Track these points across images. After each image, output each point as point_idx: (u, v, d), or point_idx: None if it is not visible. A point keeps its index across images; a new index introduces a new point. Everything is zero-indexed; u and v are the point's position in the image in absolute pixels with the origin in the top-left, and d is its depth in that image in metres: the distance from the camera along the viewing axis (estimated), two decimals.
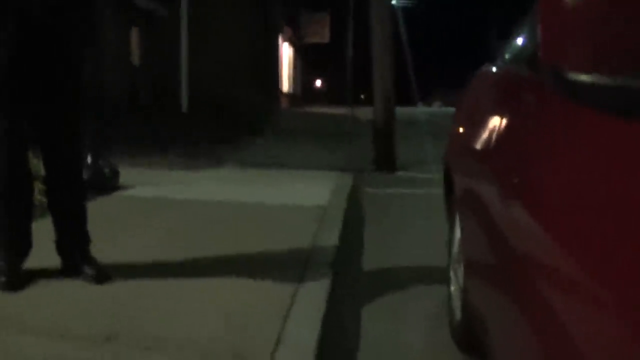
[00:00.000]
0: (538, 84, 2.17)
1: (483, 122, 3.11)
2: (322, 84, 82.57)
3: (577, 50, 1.07)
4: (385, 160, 12.09)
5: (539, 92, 2.17)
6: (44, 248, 4.35)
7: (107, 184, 7.66)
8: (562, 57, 1.10)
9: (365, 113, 20.11)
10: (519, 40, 3.20)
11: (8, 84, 3.99)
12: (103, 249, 4.53)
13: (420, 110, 31.52)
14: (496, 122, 2.78)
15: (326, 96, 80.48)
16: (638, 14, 0.97)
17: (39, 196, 4.98)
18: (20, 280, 4.09)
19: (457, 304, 3.71)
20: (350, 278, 5.11)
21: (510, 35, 3.56)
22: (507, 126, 2.55)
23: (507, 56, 3.44)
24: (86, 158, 7.30)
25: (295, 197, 7.97)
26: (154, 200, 7.41)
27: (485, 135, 2.95)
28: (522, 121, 2.38)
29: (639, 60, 0.97)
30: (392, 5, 12.90)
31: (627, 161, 1.37)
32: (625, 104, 1.05)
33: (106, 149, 8.14)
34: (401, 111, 13.43)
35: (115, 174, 7.88)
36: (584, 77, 1.04)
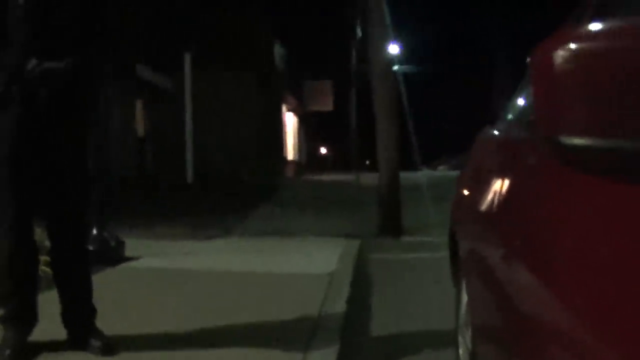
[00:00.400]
0: (536, 147, 2.18)
1: (486, 186, 3.12)
2: (326, 151, 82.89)
3: (571, 114, 1.08)
4: (391, 226, 12.08)
5: (537, 155, 2.18)
6: (49, 320, 4.34)
7: (113, 255, 7.66)
8: (556, 122, 1.11)
9: (370, 179, 20.16)
10: (519, 102, 3.23)
11: (15, 167, 4.03)
12: (109, 321, 4.52)
13: (423, 174, 31.55)
14: (498, 186, 2.79)
15: (331, 163, 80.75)
16: (632, 79, 0.98)
17: (43, 267, 4.99)
18: (25, 353, 4.07)
19: None
20: (358, 344, 5.08)
21: (510, 97, 3.59)
22: (509, 189, 2.56)
23: (508, 118, 3.46)
24: (91, 229, 7.31)
25: (303, 265, 7.96)
26: (161, 271, 7.39)
27: (488, 198, 2.96)
28: (522, 184, 2.39)
29: (633, 124, 0.99)
30: (395, 73, 12.97)
31: (623, 223, 1.37)
32: (620, 167, 1.06)
33: (111, 220, 8.16)
34: (405, 175, 13.46)
35: (121, 245, 7.89)
36: (577, 141, 1.06)
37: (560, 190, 1.81)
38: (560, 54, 1.06)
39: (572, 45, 1.04)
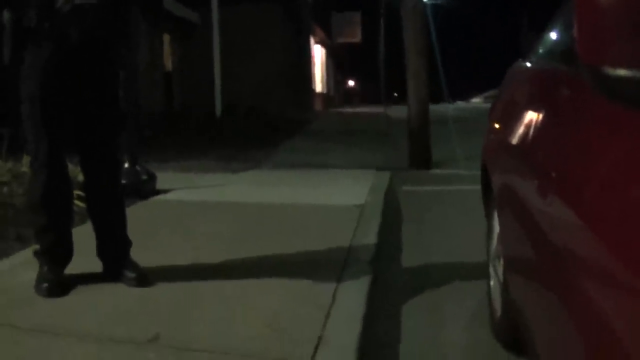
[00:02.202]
0: (575, 79, 2.16)
1: (519, 119, 3.10)
2: (355, 83, 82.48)
3: (616, 45, 1.07)
4: (421, 159, 12.07)
5: (576, 87, 2.16)
6: (84, 254, 4.41)
7: (145, 189, 7.72)
8: (600, 53, 1.10)
9: (399, 111, 20.08)
10: (553, 35, 3.20)
11: (48, 106, 4.05)
12: (143, 253, 4.58)
13: (454, 107, 31.38)
14: (533, 119, 2.77)
15: (360, 96, 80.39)
16: None
17: (77, 202, 5.04)
18: (62, 286, 4.14)
19: (497, 299, 3.71)
20: (389, 276, 5.11)
21: (542, 30, 3.55)
22: (544, 122, 2.55)
23: (540, 51, 3.43)
24: (124, 163, 7.36)
25: (333, 196, 7.99)
26: (192, 204, 7.45)
27: (522, 131, 2.95)
28: (560, 117, 2.38)
29: None
30: (424, 3, 12.80)
31: None
32: None
33: (143, 154, 8.20)
34: (435, 108, 13.39)
35: (153, 178, 7.94)
36: (622, 73, 1.04)
37: (600, 123, 1.80)
38: None
39: None
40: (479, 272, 4.59)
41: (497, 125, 4.00)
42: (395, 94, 58.35)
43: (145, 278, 4.27)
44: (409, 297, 4.62)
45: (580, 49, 1.16)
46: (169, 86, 23.76)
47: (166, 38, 24.22)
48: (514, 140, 3.09)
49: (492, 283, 3.97)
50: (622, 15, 1.05)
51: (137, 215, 5.80)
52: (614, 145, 1.66)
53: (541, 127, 2.57)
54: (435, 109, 16.74)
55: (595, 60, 1.12)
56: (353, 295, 4.13)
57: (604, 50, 1.10)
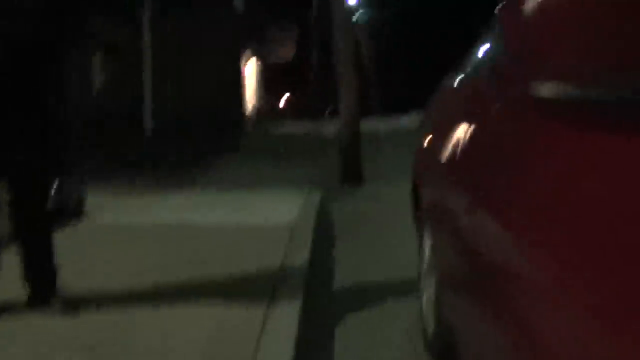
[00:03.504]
0: (502, 95, 2.17)
1: (448, 134, 3.10)
2: (288, 98, 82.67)
3: (540, 62, 1.06)
4: (352, 175, 12.10)
5: (502, 103, 2.17)
6: (9, 279, 4.29)
7: (74, 211, 7.59)
8: (525, 68, 1.09)
9: (331, 127, 20.13)
10: (482, 51, 3.21)
11: None
12: (71, 278, 4.48)
13: (386, 122, 31.54)
14: (461, 134, 2.77)
15: (292, 111, 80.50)
16: (600, 25, 0.96)
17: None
18: None
19: (430, 316, 3.71)
20: (322, 295, 5.08)
21: (473, 46, 3.57)
22: (472, 138, 2.55)
23: (471, 67, 3.44)
24: (52, 186, 7.23)
25: (265, 216, 7.94)
26: (122, 226, 7.34)
27: (451, 146, 2.95)
28: (487, 133, 2.38)
29: (601, 71, 0.97)
30: (356, 21, 12.91)
31: (586, 169, 1.38)
32: (587, 114, 1.05)
33: (72, 175, 8.07)
34: (367, 124, 13.46)
35: (82, 200, 7.81)
36: (546, 88, 1.04)
37: (526, 138, 1.80)
38: (530, 2, 1.05)
39: None
40: (412, 289, 4.59)
41: (426, 141, 4.01)
42: (329, 109, 58.71)
43: (72, 305, 4.17)
44: (342, 318, 4.60)
45: (506, 64, 1.16)
46: (99, 104, 23.53)
47: (96, 56, 24.01)
48: (443, 155, 3.10)
49: (424, 300, 3.97)
50: (547, 31, 1.05)
51: (65, 239, 5.68)
52: (540, 159, 1.66)
53: (469, 143, 2.57)
54: (369, 124, 16.82)
55: (521, 75, 1.12)
56: (285, 317, 4.09)
57: (529, 64, 1.10)
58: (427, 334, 3.80)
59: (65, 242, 5.33)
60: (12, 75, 4.03)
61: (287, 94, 75.66)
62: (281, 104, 71.64)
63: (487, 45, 3.11)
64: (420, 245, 4.12)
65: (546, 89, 1.03)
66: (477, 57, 3.40)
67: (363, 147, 12.52)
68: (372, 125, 23.79)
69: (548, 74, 1.03)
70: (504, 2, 1.01)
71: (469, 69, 3.50)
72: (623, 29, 0.92)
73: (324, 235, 7.25)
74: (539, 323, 1.49)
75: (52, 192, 7.12)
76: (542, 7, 0.96)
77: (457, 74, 3.77)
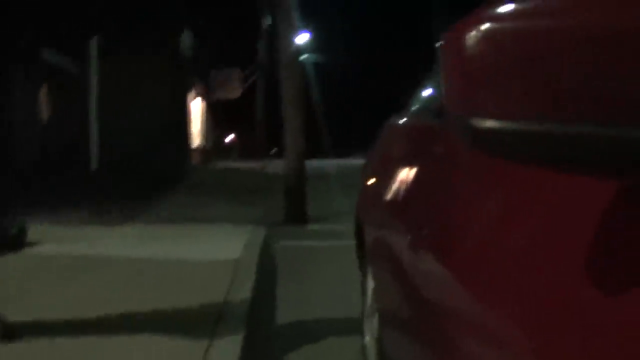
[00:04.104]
0: (443, 133, 2.19)
1: (391, 174, 3.12)
2: (233, 138, 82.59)
3: (480, 97, 1.08)
4: (297, 213, 12.15)
5: (444, 141, 2.19)
6: None
7: (15, 241, 7.49)
8: (466, 104, 1.10)
9: (277, 166, 20.17)
10: (425, 90, 3.25)
11: None
12: (9, 307, 4.41)
13: (333, 162, 31.83)
14: (404, 174, 2.79)
15: (238, 150, 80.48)
16: (541, 60, 0.98)
17: None
18: None
19: (372, 356, 3.70)
20: (263, 332, 5.06)
21: (416, 87, 3.61)
22: (415, 177, 2.57)
23: (415, 107, 3.48)
24: None
25: (208, 252, 7.91)
26: (63, 258, 7.23)
27: (394, 186, 2.97)
28: (429, 172, 2.40)
29: (544, 105, 0.99)
30: (302, 63, 12.99)
31: (531, 208, 1.39)
32: (530, 152, 1.06)
33: (13, 206, 7.97)
34: (314, 164, 13.52)
35: (23, 231, 7.71)
36: (487, 124, 1.05)
37: (467, 177, 1.82)
38: (471, 35, 1.06)
39: (484, 26, 1.04)
40: (355, 328, 4.59)
41: (370, 180, 4.03)
42: (275, 149, 58.81)
43: (10, 333, 4.11)
44: (284, 355, 4.58)
45: (447, 100, 1.17)
46: (44, 136, 23.28)
47: (43, 88, 23.79)
48: (386, 194, 3.11)
49: (367, 338, 3.96)
50: (485, 68, 1.06)
51: (5, 267, 5.60)
52: (483, 199, 1.68)
53: (412, 182, 2.59)
54: (316, 164, 16.89)
55: (461, 112, 1.13)
56: (225, 353, 4.06)
57: (470, 100, 1.11)
58: None
59: (5, 269, 5.26)
60: None
61: (233, 134, 75.70)
62: (227, 142, 71.57)
63: (429, 84, 3.15)
64: (364, 284, 4.13)
65: (487, 124, 1.05)
66: (419, 95, 3.44)
67: (312, 185, 12.57)
68: (324, 164, 23.93)
69: (489, 108, 1.04)
70: (445, 37, 1.03)
71: (412, 108, 3.53)
72: (569, 69, 0.94)
73: (267, 271, 7.23)
74: None
75: None
76: (484, 37, 0.98)
77: (401, 113, 3.80)
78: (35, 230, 8.21)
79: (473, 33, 1.06)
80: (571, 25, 0.96)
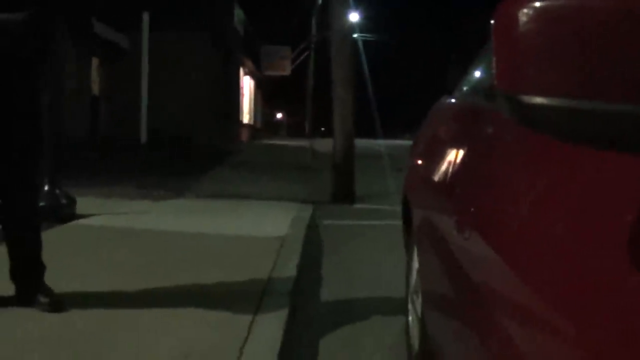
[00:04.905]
0: (494, 113, 2.17)
1: (440, 154, 3.11)
2: (282, 116, 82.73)
3: (531, 73, 1.07)
4: (344, 193, 12.12)
5: (495, 122, 2.17)
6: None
7: (64, 213, 7.58)
8: (517, 84, 1.10)
9: (325, 145, 20.15)
10: (476, 72, 3.22)
11: None
12: (58, 278, 4.47)
13: (383, 142, 31.77)
14: (453, 153, 2.78)
15: (287, 128, 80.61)
16: (593, 38, 0.97)
17: None
18: None
19: (415, 334, 3.70)
20: (308, 309, 5.08)
21: (467, 67, 3.58)
22: (464, 157, 2.56)
23: (464, 88, 3.45)
24: (43, 186, 7.22)
25: (255, 228, 7.95)
26: (111, 230, 7.32)
27: (442, 166, 2.95)
28: (477, 153, 2.38)
29: (594, 84, 0.98)
30: (354, 42, 12.92)
31: (580, 188, 1.37)
32: (579, 128, 1.05)
33: (64, 178, 8.06)
34: (364, 144, 13.50)
35: (72, 202, 7.80)
36: (538, 101, 1.04)
37: (517, 154, 1.80)
38: (524, 12, 1.05)
39: (536, 3, 1.03)
40: (398, 307, 4.59)
41: (418, 160, 4.01)
42: (323, 129, 58.72)
43: (59, 304, 4.16)
44: (327, 331, 4.59)
45: (498, 79, 1.16)
46: (96, 111, 23.52)
47: (94, 61, 24.00)
48: (434, 175, 3.10)
49: (410, 318, 3.96)
50: (538, 45, 1.05)
51: (54, 239, 5.67)
52: (532, 179, 1.66)
53: (461, 162, 2.57)
54: (365, 144, 16.87)
55: (512, 89, 1.12)
56: (270, 328, 4.08)
57: (521, 79, 1.10)
58: (412, 353, 3.79)
59: (54, 241, 5.33)
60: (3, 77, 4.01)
61: (282, 112, 75.87)
62: (276, 120, 71.75)
63: (481, 65, 3.12)
64: (409, 264, 4.12)
65: (537, 101, 1.04)
66: (469, 76, 3.41)
67: (360, 165, 12.53)
68: (373, 143, 23.86)
69: (539, 87, 1.03)
70: (497, 10, 1.01)
71: (461, 89, 3.51)
72: (620, 48, 0.93)
73: (312, 249, 7.25)
74: (524, 345, 1.48)
75: (43, 191, 7.15)
76: (537, 14, 0.97)
77: (452, 94, 3.78)
78: (84, 202, 8.30)
79: (524, 10, 1.05)
80: (628, 3, 0.95)
